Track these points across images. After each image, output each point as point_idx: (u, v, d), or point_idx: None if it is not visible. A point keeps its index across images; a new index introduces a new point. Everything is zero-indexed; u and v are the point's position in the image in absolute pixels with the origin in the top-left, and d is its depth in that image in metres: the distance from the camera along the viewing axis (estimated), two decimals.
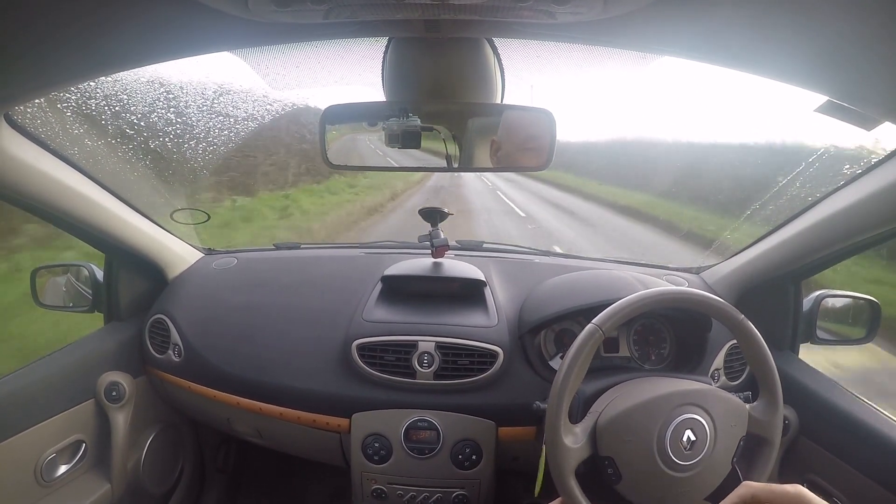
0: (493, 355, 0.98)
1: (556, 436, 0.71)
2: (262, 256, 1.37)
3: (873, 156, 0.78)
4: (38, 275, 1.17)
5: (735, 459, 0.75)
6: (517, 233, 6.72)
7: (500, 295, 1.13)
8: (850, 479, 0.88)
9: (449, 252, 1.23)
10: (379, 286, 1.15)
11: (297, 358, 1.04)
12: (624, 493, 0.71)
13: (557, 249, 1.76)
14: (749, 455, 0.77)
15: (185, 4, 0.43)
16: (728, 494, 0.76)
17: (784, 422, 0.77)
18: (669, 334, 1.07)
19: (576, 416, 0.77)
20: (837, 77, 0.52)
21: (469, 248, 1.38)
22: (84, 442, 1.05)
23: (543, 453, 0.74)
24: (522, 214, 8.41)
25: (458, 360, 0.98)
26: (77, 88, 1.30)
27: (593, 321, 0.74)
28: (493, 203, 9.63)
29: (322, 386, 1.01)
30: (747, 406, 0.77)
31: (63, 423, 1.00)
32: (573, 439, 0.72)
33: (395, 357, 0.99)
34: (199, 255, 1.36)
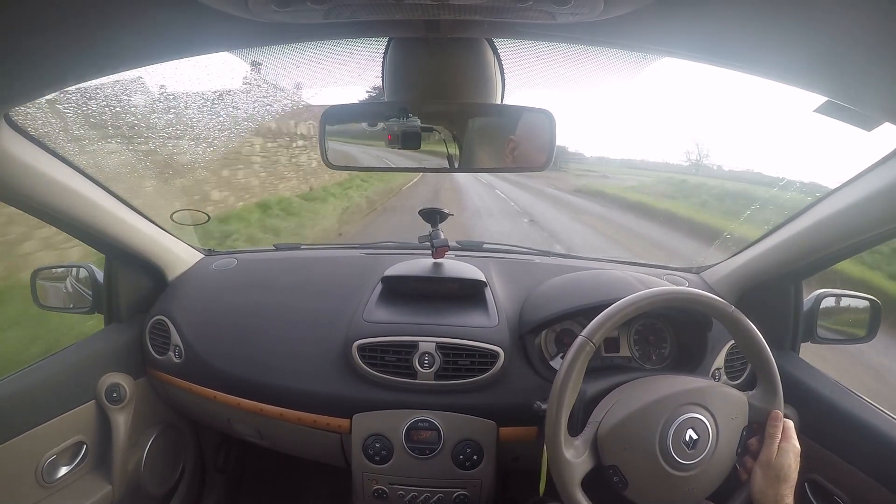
0: (494, 355, 0.98)
1: (557, 451, 0.70)
2: (262, 257, 1.37)
3: None
4: (39, 276, 1.17)
5: (739, 451, 0.75)
6: None
7: (500, 295, 1.12)
8: (851, 477, 0.88)
9: (449, 252, 1.23)
10: (379, 287, 1.15)
11: (298, 359, 1.04)
12: (632, 498, 0.71)
13: (558, 249, 1.74)
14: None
15: (185, 4, 0.43)
16: (731, 494, 0.76)
17: None
18: (670, 334, 1.07)
19: (577, 419, 0.77)
20: (837, 77, 0.52)
21: (469, 248, 1.38)
22: (85, 443, 1.05)
23: (545, 453, 0.74)
24: None
25: (458, 361, 0.98)
26: (77, 88, 1.30)
27: (582, 333, 0.74)
28: None
29: (323, 387, 1.01)
30: (746, 395, 0.77)
31: (64, 424, 1.00)
32: (574, 453, 0.72)
33: (395, 357, 0.99)
34: (200, 255, 1.35)
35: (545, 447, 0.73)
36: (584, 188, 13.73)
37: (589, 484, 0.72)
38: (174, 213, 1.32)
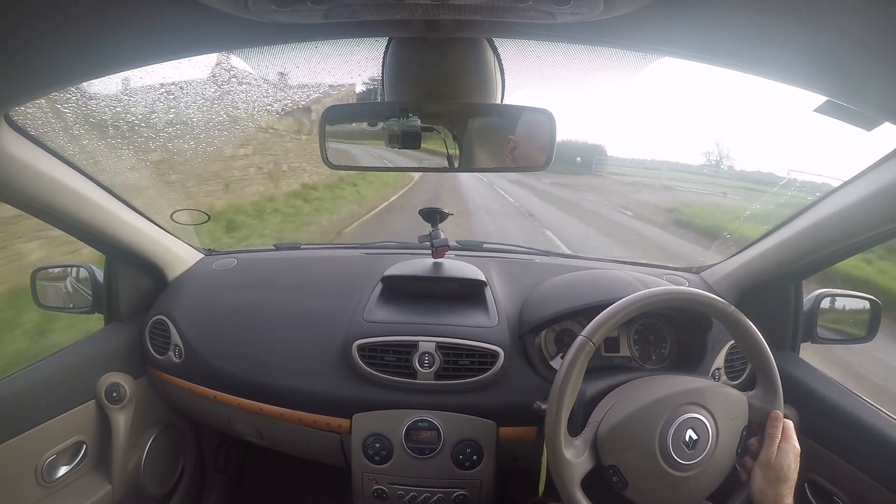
0: (494, 355, 0.98)
1: (557, 451, 0.70)
2: (263, 257, 1.37)
3: None
4: (39, 276, 1.17)
5: (739, 451, 0.75)
6: None
7: (500, 295, 1.12)
8: (851, 477, 0.88)
9: (449, 252, 1.23)
10: (379, 286, 1.15)
11: (298, 358, 1.04)
12: (632, 498, 0.71)
13: (561, 249, 1.72)
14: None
15: (185, 4, 0.43)
16: (731, 494, 0.76)
17: None
18: (670, 334, 1.07)
19: (577, 419, 0.77)
20: (837, 77, 0.52)
21: (469, 248, 1.38)
22: (85, 443, 1.05)
23: (545, 453, 0.74)
24: None
25: (458, 361, 0.98)
26: (77, 88, 1.30)
27: (582, 333, 0.74)
28: None
29: (322, 386, 1.01)
30: (746, 395, 0.77)
31: (64, 424, 1.00)
32: (574, 453, 0.72)
33: (395, 357, 0.99)
34: (200, 255, 1.36)
35: (545, 447, 0.73)
36: (688, 220, 7.87)
37: (589, 484, 0.72)
38: (174, 212, 1.32)
